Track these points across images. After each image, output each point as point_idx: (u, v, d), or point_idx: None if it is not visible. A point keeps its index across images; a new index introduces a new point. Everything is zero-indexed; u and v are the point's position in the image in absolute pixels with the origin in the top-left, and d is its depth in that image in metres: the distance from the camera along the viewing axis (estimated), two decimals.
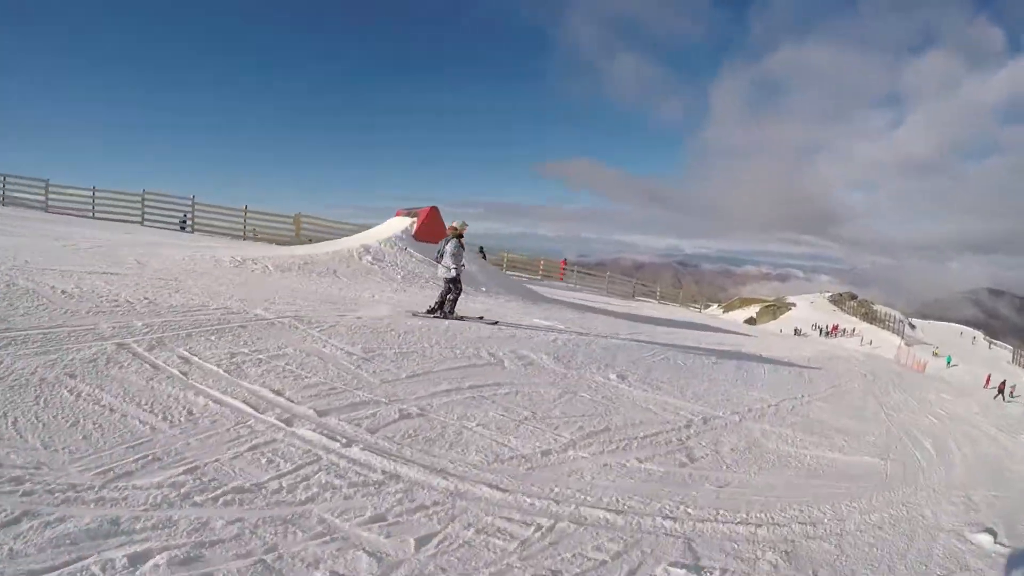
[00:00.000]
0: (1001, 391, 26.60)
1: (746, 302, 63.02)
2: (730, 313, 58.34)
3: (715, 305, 66.20)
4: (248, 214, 19.29)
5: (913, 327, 59.67)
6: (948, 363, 41.20)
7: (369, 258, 11.17)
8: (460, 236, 7.80)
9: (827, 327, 47.19)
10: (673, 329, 13.10)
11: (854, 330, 47.12)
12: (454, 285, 7.59)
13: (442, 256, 7.61)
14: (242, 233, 18.98)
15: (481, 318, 7.92)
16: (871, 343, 43.83)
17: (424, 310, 7.59)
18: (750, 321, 54.58)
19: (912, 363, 29.23)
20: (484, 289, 11.67)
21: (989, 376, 33.39)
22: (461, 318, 7.61)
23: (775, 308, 57.65)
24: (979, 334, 62.05)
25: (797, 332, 45.64)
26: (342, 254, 11.23)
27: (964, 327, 70.21)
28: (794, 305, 58.39)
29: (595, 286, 26.95)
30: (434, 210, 12.69)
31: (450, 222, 8.32)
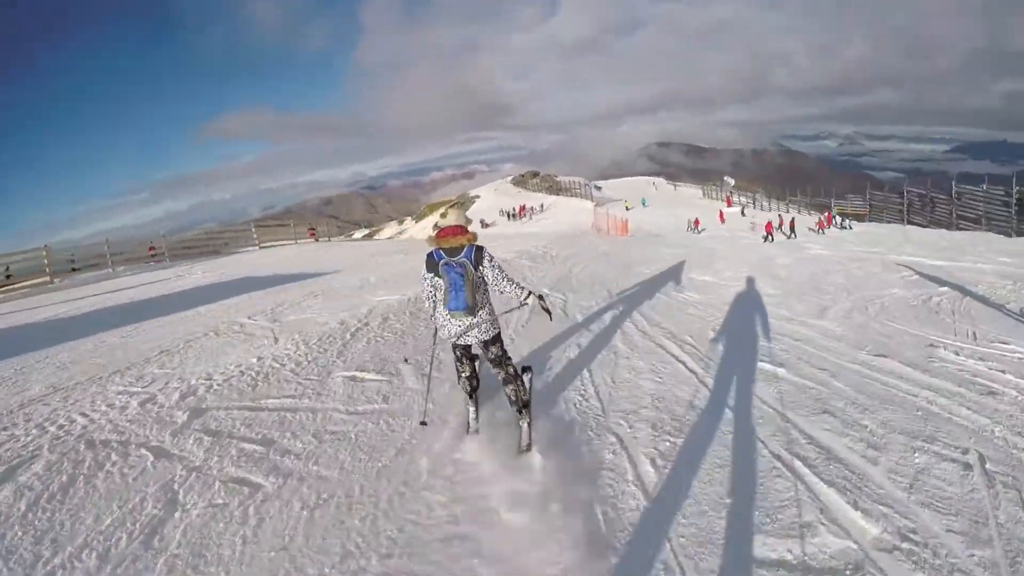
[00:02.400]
0: (770, 233, 22.06)
1: (433, 207, 60.75)
2: (422, 221, 53.77)
3: (409, 218, 61.86)
4: None
5: (599, 188, 62.94)
6: (644, 204, 43.51)
7: None
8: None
9: (514, 210, 43.96)
10: None
11: (542, 206, 45.09)
12: (505, 359, 3.36)
13: (474, 302, 3.09)
14: None
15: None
16: (531, 219, 41.87)
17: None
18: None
19: (614, 227, 25.60)
20: None
21: (721, 213, 32.77)
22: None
23: (460, 205, 54.63)
24: (660, 180, 69.22)
25: (484, 224, 41.60)
26: None
27: (646, 177, 78.66)
28: (478, 197, 56.13)
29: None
30: None
31: None
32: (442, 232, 3.20)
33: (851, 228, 24.55)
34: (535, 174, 65.40)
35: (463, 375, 3.43)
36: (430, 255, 3.17)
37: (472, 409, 3.50)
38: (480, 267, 3.15)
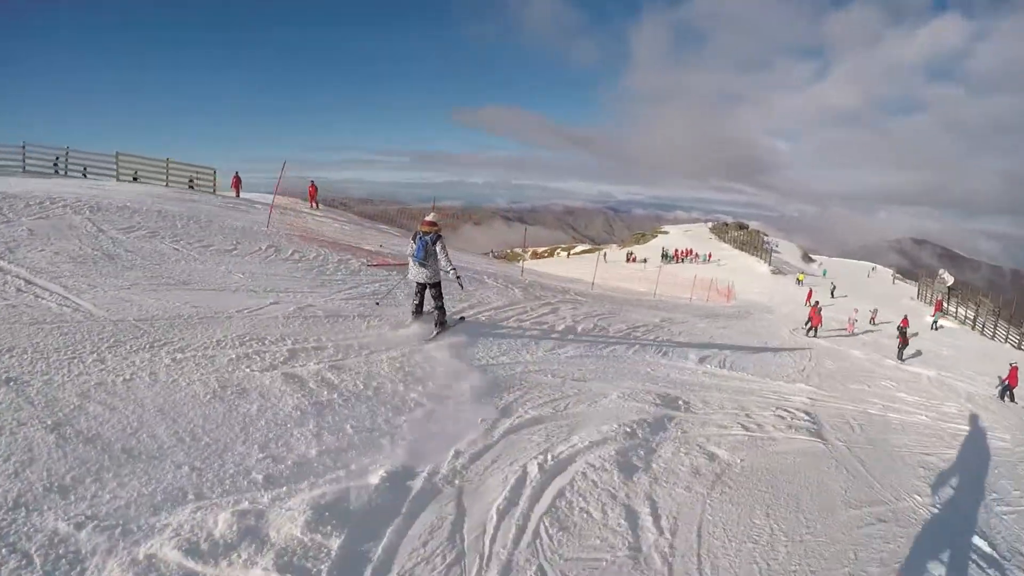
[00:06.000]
0: (1014, 387, 12.10)
1: (637, 238, 58.44)
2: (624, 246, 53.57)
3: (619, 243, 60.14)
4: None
5: (812, 260, 50.76)
6: (824, 274, 38.14)
7: None
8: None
9: (676, 252, 36.59)
10: None
11: (709, 255, 36.77)
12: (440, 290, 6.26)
13: (427, 257, 5.87)
14: None
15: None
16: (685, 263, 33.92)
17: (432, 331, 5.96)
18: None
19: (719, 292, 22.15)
20: None
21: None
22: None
23: (641, 236, 54.56)
24: (883, 268, 53.81)
25: (629, 257, 36.27)
26: None
27: (876, 264, 62.54)
28: (666, 232, 50.62)
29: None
30: None
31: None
32: (422, 223, 5.90)
33: None
34: (742, 227, 55.57)
35: (414, 300, 6.12)
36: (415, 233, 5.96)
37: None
38: (437, 244, 5.74)
